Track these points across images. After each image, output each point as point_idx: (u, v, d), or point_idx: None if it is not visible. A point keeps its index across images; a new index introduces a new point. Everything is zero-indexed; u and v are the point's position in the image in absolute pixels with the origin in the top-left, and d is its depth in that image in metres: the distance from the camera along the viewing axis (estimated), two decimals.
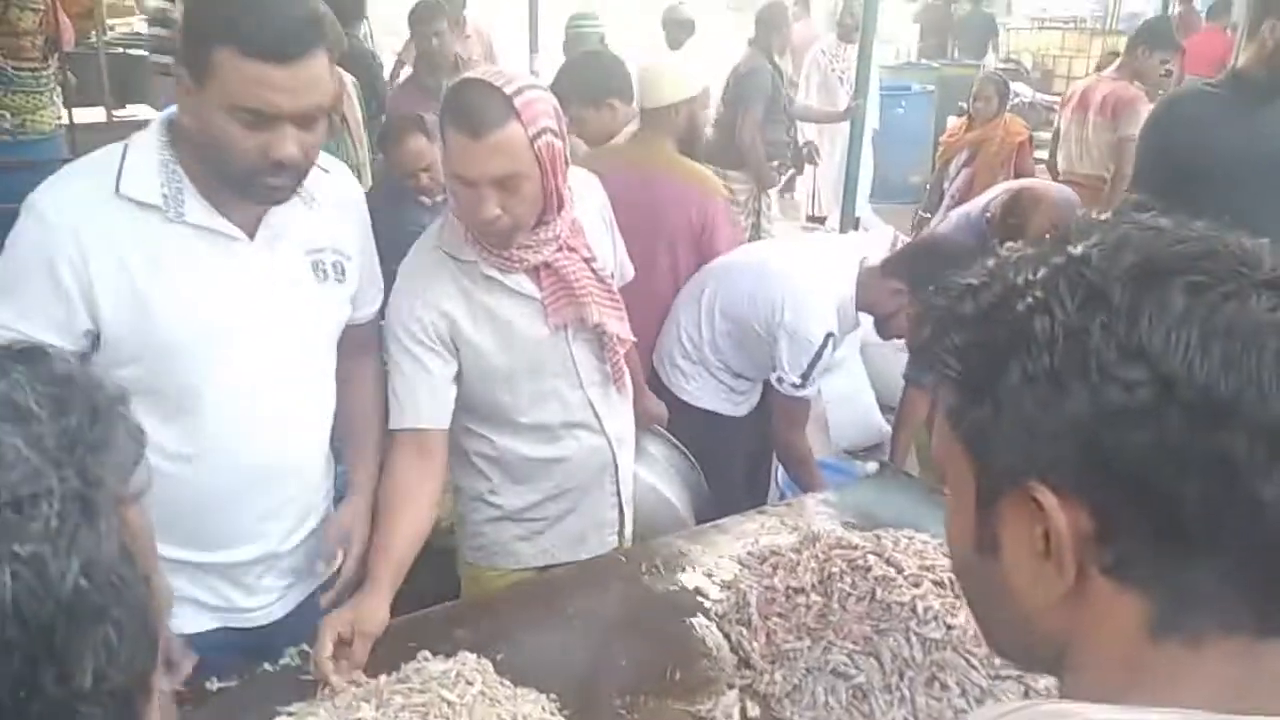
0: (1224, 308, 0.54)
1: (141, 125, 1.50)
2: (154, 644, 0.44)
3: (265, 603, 1.61)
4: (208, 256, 1.43)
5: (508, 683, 1.43)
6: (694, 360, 2.70)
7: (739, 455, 2.78)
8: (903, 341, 3.14)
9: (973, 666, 1.43)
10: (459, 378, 1.84)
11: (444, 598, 1.92)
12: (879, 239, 5.55)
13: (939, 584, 1.54)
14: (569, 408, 1.93)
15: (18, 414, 0.42)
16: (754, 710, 1.48)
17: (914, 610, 1.49)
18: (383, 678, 1.40)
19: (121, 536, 0.43)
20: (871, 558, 1.59)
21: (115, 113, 5.50)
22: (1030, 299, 0.59)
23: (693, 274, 2.81)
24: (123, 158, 1.40)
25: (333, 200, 1.58)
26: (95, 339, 1.40)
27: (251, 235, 1.47)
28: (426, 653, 1.50)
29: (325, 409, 1.64)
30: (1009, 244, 0.66)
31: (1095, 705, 0.58)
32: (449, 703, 1.30)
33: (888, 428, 4.55)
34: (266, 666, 1.54)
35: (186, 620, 1.52)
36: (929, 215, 5.41)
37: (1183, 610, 0.57)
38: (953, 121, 5.87)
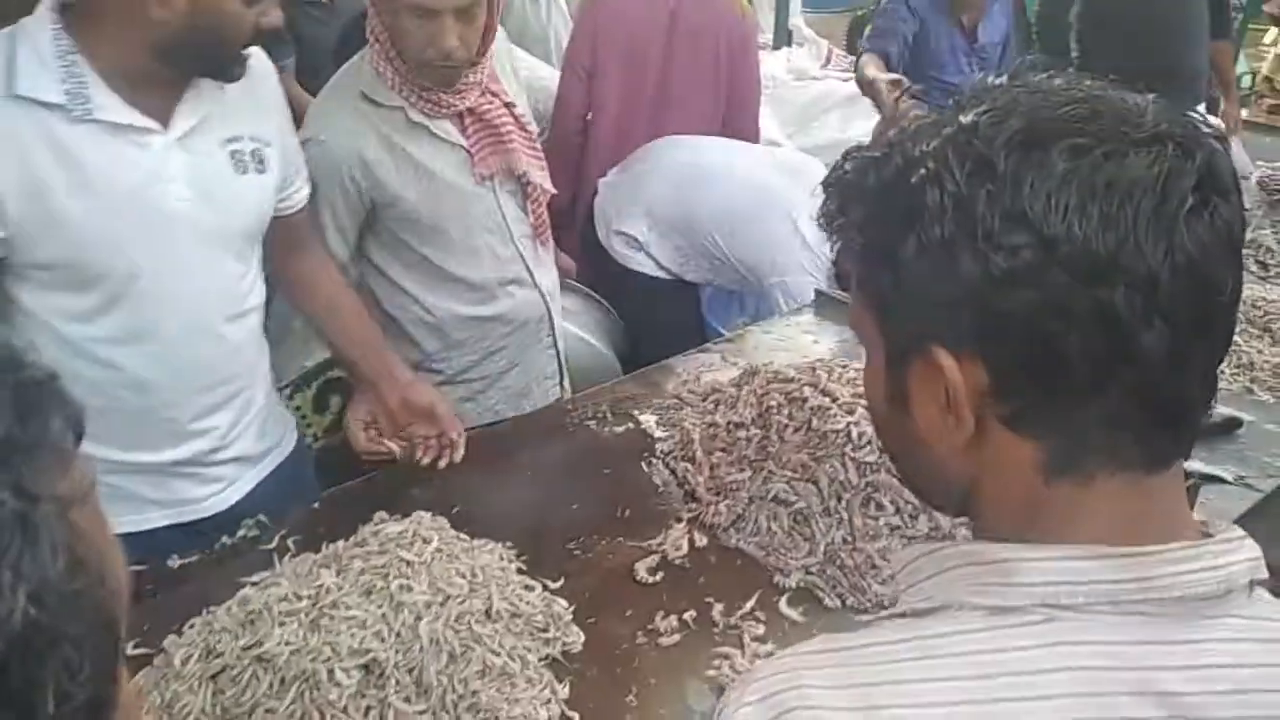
0: (1104, 167, 0.56)
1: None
2: (115, 641, 0.41)
3: (215, 490, 1.61)
4: (121, 151, 1.37)
5: (464, 537, 1.48)
6: (622, 230, 2.68)
7: (681, 313, 2.82)
8: None
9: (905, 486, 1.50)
10: (379, 231, 1.83)
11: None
12: (812, 56, 5.42)
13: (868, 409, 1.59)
14: (502, 263, 1.93)
15: None
16: (701, 540, 1.56)
17: (849, 436, 1.55)
18: (340, 543, 1.44)
19: (71, 546, 0.38)
20: (807, 389, 1.64)
21: None
22: (923, 170, 0.60)
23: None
24: (12, 54, 1.31)
25: (244, 83, 1.49)
26: (4, 244, 1.35)
27: (165, 125, 1.41)
28: (383, 513, 1.54)
29: (256, 303, 1.61)
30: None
31: (1000, 544, 0.62)
32: (408, 562, 1.34)
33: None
34: (226, 540, 1.57)
35: (135, 519, 1.53)
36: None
37: (1074, 453, 0.60)
38: None
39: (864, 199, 0.65)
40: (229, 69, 1.43)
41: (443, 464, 1.73)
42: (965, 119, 0.61)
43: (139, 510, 1.54)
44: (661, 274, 2.70)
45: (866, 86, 3.13)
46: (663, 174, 2.67)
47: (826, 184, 0.68)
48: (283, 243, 1.66)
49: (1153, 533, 0.60)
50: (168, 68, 1.38)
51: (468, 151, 1.85)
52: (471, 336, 1.98)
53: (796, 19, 5.79)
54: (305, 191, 1.69)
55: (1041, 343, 0.57)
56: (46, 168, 1.32)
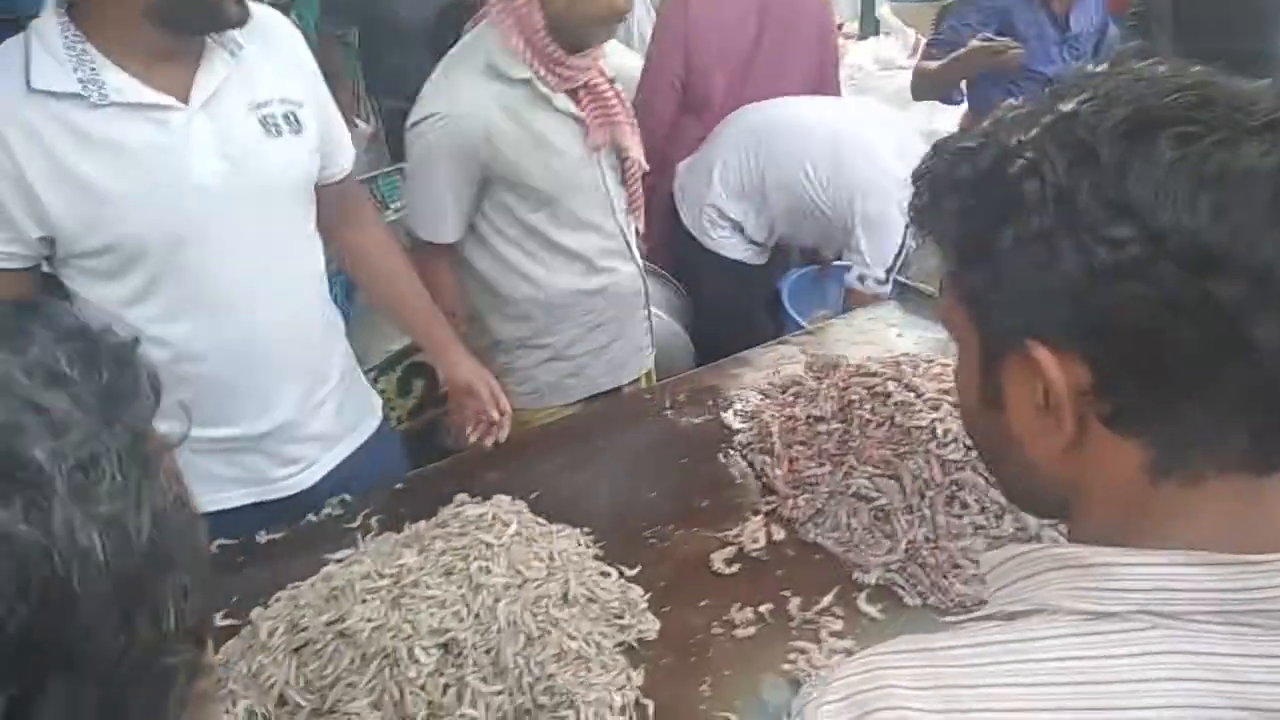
0: (1215, 156, 0.53)
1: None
2: (211, 584, 0.46)
3: (295, 471, 1.63)
4: (144, 130, 1.37)
5: (543, 521, 1.49)
6: (719, 212, 2.66)
7: (759, 301, 2.79)
8: None
9: (991, 484, 1.47)
10: (490, 206, 1.90)
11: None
12: (899, 45, 5.32)
13: (958, 407, 1.56)
14: (605, 236, 2.01)
15: (54, 377, 0.41)
16: (779, 534, 1.54)
17: (933, 433, 1.52)
18: (422, 523, 1.46)
19: (173, 483, 0.44)
20: (891, 384, 1.61)
21: None
22: (1022, 160, 0.58)
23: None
24: (26, 50, 1.32)
25: (262, 46, 1.48)
26: (50, 243, 1.38)
27: (185, 99, 1.40)
28: (463, 495, 1.56)
29: (311, 269, 1.61)
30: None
31: (1099, 548, 0.60)
32: (487, 544, 1.36)
33: (913, 243, 4.51)
34: (311, 518, 1.61)
35: (214, 497, 1.54)
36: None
37: (1181, 454, 0.58)
38: None
39: (958, 191, 0.62)
40: (223, 12, 1.38)
41: (489, 442, 1.78)
42: (1065, 107, 0.58)
43: (217, 488, 1.56)
44: (744, 256, 2.68)
45: (929, 80, 3.01)
46: (734, 138, 2.65)
47: (917, 176, 0.66)
48: (334, 214, 1.66)
49: (1263, 540, 0.57)
50: (170, 34, 1.36)
51: (583, 123, 1.91)
52: (578, 310, 2.04)
53: (883, 8, 5.69)
54: (350, 157, 1.68)
55: (1148, 338, 0.55)
56: (73, 157, 1.33)
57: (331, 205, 1.64)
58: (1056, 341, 0.58)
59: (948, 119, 3.92)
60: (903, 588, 1.43)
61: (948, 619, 1.34)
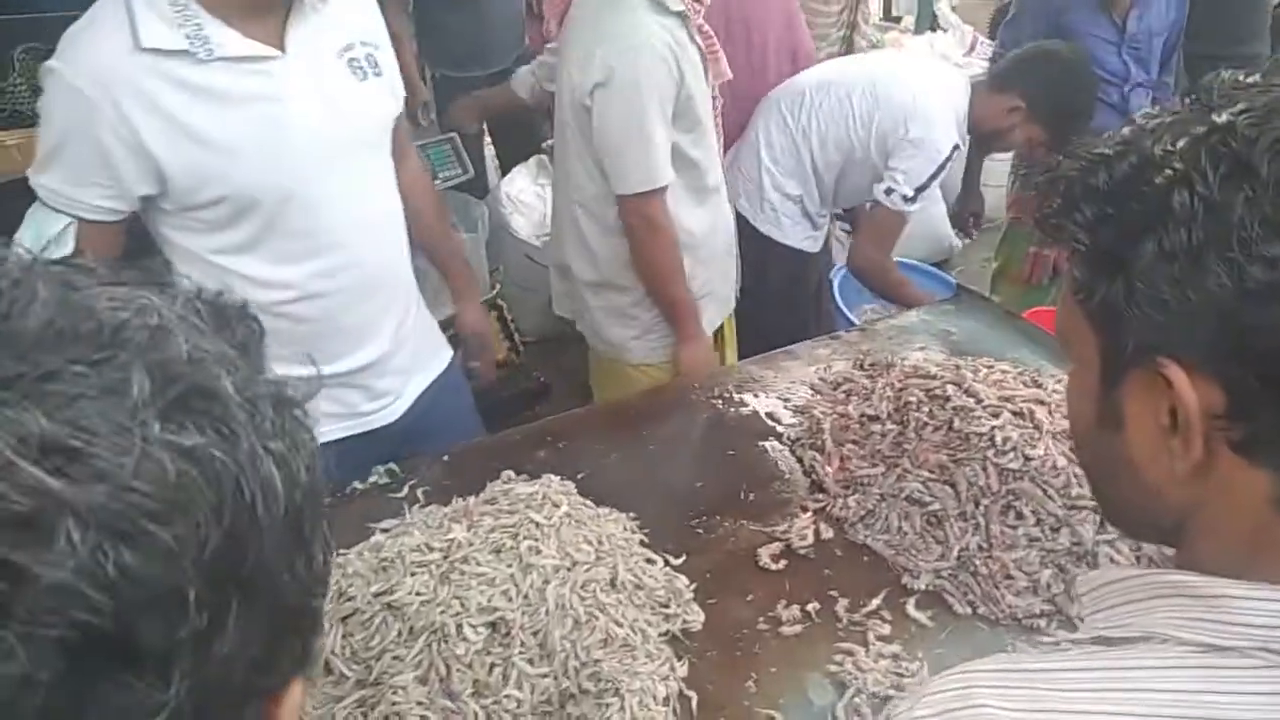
0: None
1: None
2: (327, 533, 0.46)
3: (385, 403, 1.71)
4: (249, 82, 1.40)
5: (590, 504, 1.48)
6: (782, 194, 2.62)
7: (810, 287, 2.76)
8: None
9: (1049, 496, 1.44)
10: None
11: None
12: (955, 39, 5.24)
13: (1018, 414, 1.53)
14: (717, 169, 2.14)
15: (198, 329, 0.41)
16: (828, 533, 1.52)
17: (992, 441, 1.49)
18: (471, 499, 1.45)
19: (309, 436, 0.44)
20: (950, 388, 1.58)
21: None
22: (1169, 171, 0.55)
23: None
24: (130, 10, 1.34)
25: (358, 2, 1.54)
26: (149, 199, 1.42)
27: (282, 49, 1.43)
28: (510, 472, 1.55)
29: (396, 205, 1.67)
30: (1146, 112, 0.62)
31: (1213, 578, 0.57)
32: (537, 524, 1.35)
33: (958, 242, 4.46)
34: (357, 485, 1.61)
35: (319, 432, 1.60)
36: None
37: None
38: None
39: (1093, 199, 0.59)
40: None
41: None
42: (1220, 119, 0.55)
43: (316, 424, 1.59)
44: (803, 244, 2.65)
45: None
46: (771, 119, 2.61)
47: (1046, 181, 0.64)
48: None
49: None
50: None
51: (704, 57, 2.04)
52: (705, 247, 2.14)
53: (941, 4, 5.61)
54: (402, 94, 1.68)
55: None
56: (185, 113, 1.36)
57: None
58: (1193, 361, 0.55)
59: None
60: (953, 595, 1.40)
61: (1036, 639, 1.31)
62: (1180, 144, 0.56)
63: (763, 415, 1.81)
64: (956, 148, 2.39)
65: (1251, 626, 0.55)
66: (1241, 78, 0.60)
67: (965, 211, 3.29)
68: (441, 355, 1.85)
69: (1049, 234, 0.63)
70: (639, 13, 1.90)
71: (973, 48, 5.16)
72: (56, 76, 1.34)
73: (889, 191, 2.42)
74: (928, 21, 5.54)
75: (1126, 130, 0.61)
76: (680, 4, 1.92)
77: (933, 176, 2.39)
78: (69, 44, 1.36)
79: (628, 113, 1.90)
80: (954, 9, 5.44)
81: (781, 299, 2.59)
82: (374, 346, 1.65)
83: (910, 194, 2.40)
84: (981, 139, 2.50)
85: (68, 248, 1.40)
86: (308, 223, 1.49)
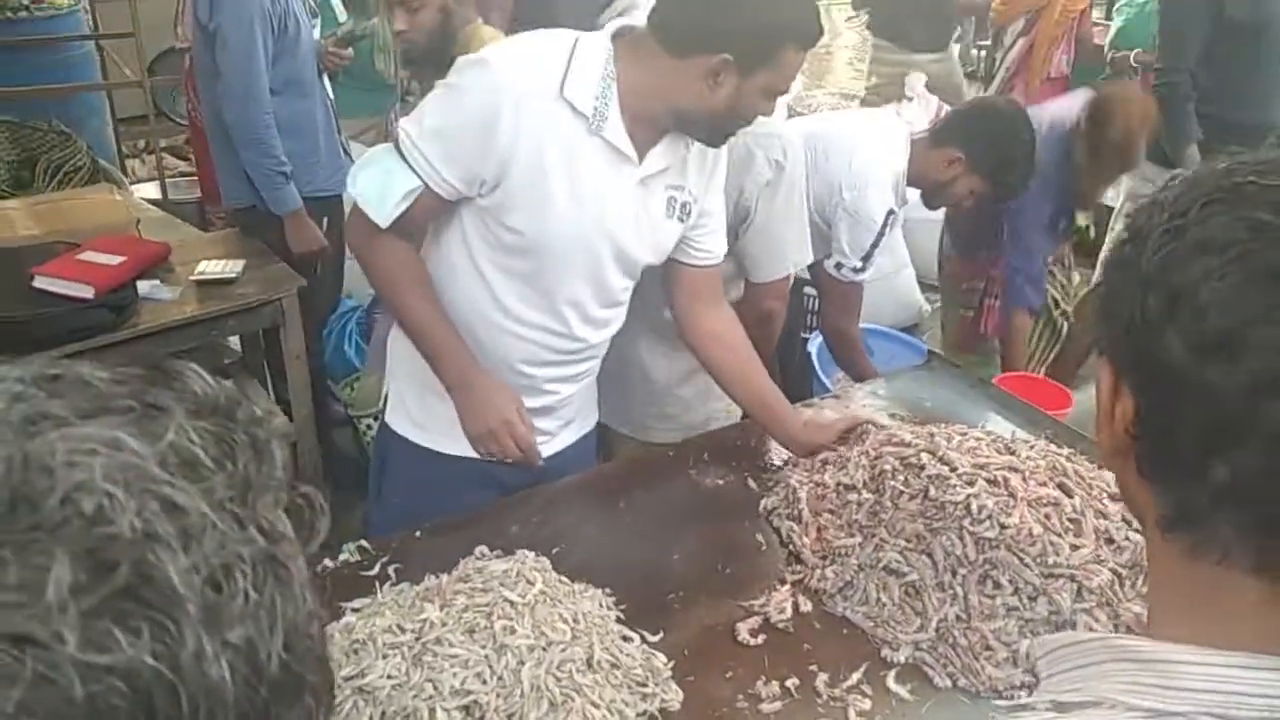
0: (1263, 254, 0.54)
1: None
2: (332, 684, 0.41)
3: (539, 441, 1.78)
4: (606, 170, 1.57)
5: (566, 580, 1.46)
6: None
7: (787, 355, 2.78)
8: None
9: (1026, 565, 1.44)
10: None
11: None
12: (921, 108, 5.36)
13: (993, 482, 1.53)
14: None
15: (189, 466, 0.36)
16: (806, 605, 1.51)
17: (968, 509, 1.49)
18: (444, 576, 1.43)
19: (305, 593, 0.39)
20: (925, 456, 1.59)
21: None
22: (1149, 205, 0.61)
23: None
24: (570, 59, 1.52)
25: (698, 149, 1.68)
26: (485, 190, 1.56)
27: (640, 160, 1.60)
28: (484, 548, 1.53)
29: (623, 315, 1.80)
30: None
31: (1159, 644, 0.58)
32: (511, 603, 1.32)
33: (927, 306, 4.51)
34: (328, 563, 1.58)
35: (450, 444, 1.74)
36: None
37: (1189, 513, 0.57)
38: None
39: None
40: (720, 141, 1.65)
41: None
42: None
43: (448, 434, 1.74)
44: None
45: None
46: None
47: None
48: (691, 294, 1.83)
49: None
50: (671, 124, 1.60)
51: None
52: None
53: (909, 74, 5.73)
54: (720, 249, 1.83)
55: (1166, 392, 0.57)
56: (555, 160, 1.53)
57: (687, 286, 1.84)
58: (1118, 370, 0.61)
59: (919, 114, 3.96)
60: (933, 668, 1.39)
61: (999, 703, 1.30)
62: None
63: (738, 484, 1.81)
64: (892, 212, 2.42)
65: (1195, 691, 0.56)
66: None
67: None
68: (592, 418, 1.94)
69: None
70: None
71: (939, 116, 5.26)
72: (487, 69, 1.51)
73: (839, 266, 2.45)
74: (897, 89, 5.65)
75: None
76: None
77: (874, 244, 2.43)
78: (513, 54, 1.56)
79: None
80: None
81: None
82: (545, 398, 1.78)
83: (858, 264, 2.44)
84: (926, 194, 2.54)
85: (403, 206, 1.56)
86: (557, 287, 1.64)
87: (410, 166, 1.55)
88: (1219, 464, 0.54)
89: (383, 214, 1.57)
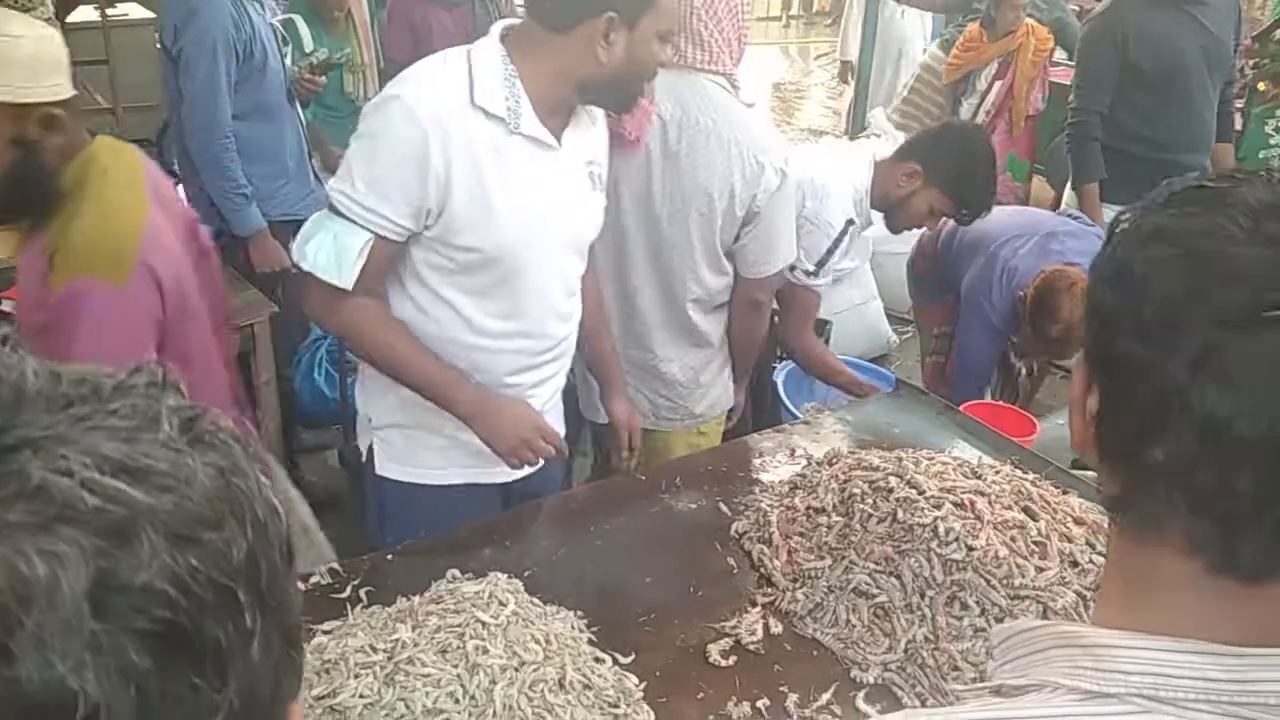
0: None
1: (135, 24, 1.52)
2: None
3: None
4: (534, 163, 1.62)
5: (538, 602, 1.46)
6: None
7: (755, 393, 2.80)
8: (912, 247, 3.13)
9: (992, 586, 1.46)
10: None
11: None
12: (890, 146, 5.45)
13: (960, 506, 1.56)
14: None
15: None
16: (777, 627, 1.52)
17: (935, 531, 1.51)
18: (416, 598, 1.43)
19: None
20: (893, 479, 1.61)
21: (109, 12, 5.34)
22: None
23: None
24: (470, 69, 1.57)
25: (599, 118, 1.77)
26: (431, 219, 1.59)
27: (559, 143, 1.65)
28: (455, 571, 1.53)
29: (578, 303, 1.84)
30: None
31: (1101, 630, 0.61)
32: (484, 623, 1.32)
33: (895, 337, 4.56)
34: (299, 585, 1.57)
35: (444, 473, 1.79)
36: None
37: (1138, 495, 0.60)
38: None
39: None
40: (630, 103, 1.72)
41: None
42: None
43: (448, 462, 1.79)
44: None
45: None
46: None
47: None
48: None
49: (1266, 630, 0.57)
50: (579, 99, 1.65)
51: None
52: None
53: (874, 111, 5.84)
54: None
55: (1114, 374, 0.61)
56: (488, 168, 1.57)
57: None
58: (1089, 363, 0.64)
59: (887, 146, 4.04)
60: (902, 688, 1.41)
61: (957, 688, 1.32)
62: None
63: (709, 508, 1.82)
64: (851, 222, 2.47)
65: (1128, 674, 0.58)
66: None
67: None
68: (561, 430, 1.93)
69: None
70: None
71: None
72: (399, 104, 1.54)
73: (792, 269, 2.48)
74: (859, 127, 5.76)
75: None
76: None
77: (829, 251, 2.48)
78: (414, 82, 1.57)
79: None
80: (888, 116, 5.66)
81: None
82: (534, 402, 1.78)
83: (811, 269, 2.50)
84: (889, 214, 2.58)
85: (360, 264, 1.57)
86: (523, 290, 1.68)
87: (355, 223, 1.56)
88: (1154, 444, 0.57)
89: (344, 277, 1.57)
